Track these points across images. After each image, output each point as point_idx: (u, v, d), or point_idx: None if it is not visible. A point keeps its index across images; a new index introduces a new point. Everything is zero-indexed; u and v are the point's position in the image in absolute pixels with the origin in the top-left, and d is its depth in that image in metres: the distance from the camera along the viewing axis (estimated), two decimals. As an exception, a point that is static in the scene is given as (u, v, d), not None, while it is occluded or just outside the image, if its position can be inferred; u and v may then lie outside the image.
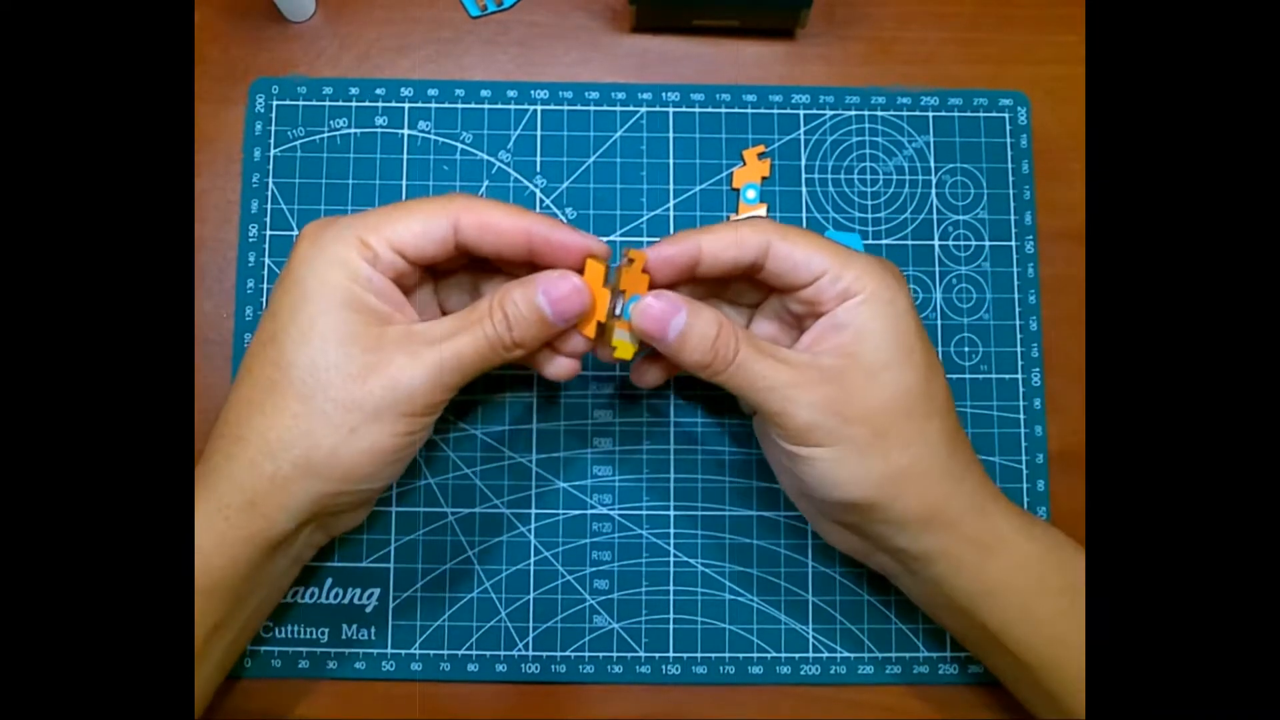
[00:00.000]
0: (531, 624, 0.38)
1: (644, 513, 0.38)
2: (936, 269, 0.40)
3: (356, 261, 0.30)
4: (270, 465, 0.29)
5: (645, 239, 0.40)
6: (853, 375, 0.30)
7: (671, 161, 0.41)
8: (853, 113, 0.41)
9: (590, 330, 0.31)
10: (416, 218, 0.30)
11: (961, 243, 0.40)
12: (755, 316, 0.35)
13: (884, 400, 0.30)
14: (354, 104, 0.41)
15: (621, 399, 0.39)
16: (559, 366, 0.33)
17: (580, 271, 0.31)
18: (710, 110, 0.41)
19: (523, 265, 0.32)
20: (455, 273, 0.34)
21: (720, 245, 0.31)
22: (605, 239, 0.40)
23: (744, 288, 0.35)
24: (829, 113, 0.41)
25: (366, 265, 0.30)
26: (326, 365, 0.29)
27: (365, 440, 0.29)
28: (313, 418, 0.29)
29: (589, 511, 0.38)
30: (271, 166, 0.40)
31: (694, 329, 0.30)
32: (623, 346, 0.31)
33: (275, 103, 0.41)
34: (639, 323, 0.30)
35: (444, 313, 0.35)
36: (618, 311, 0.31)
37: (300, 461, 0.29)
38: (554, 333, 0.31)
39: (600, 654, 0.37)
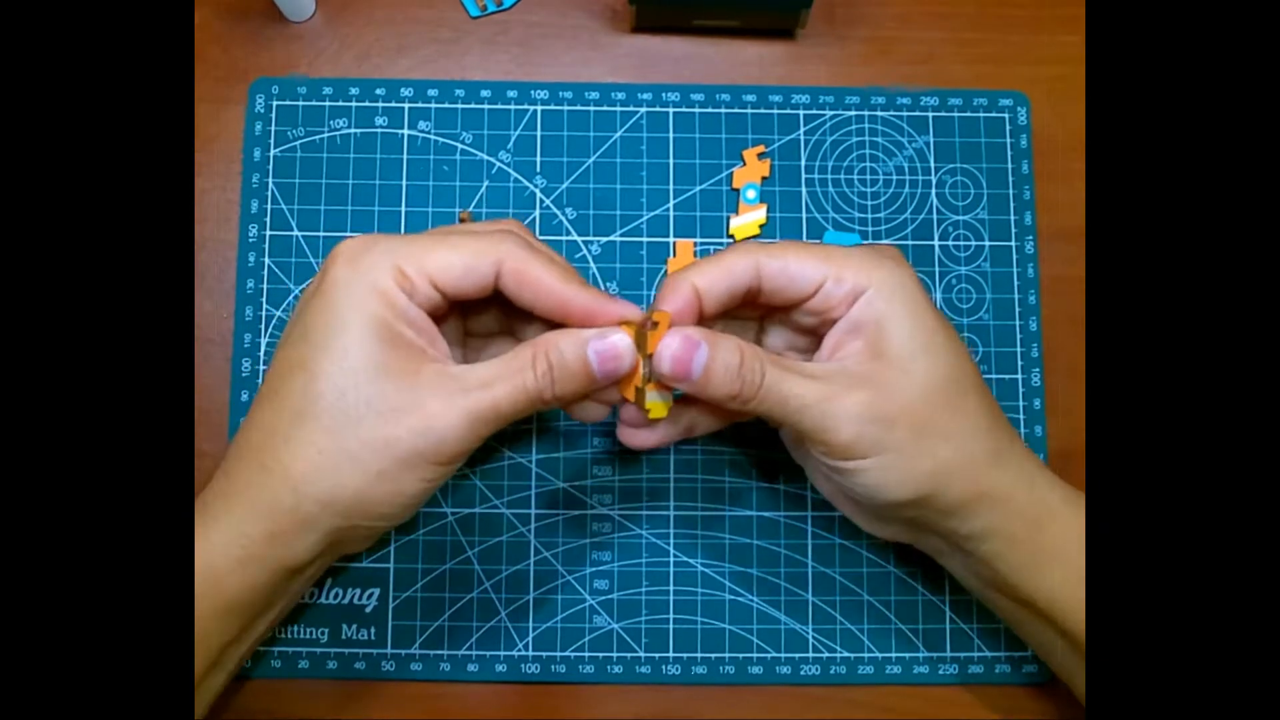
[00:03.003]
0: (531, 624, 0.38)
1: (644, 513, 0.38)
2: (936, 269, 0.40)
3: (394, 292, 0.29)
4: (292, 499, 0.29)
5: (645, 239, 0.40)
6: (884, 373, 0.30)
7: (671, 161, 0.41)
8: (853, 113, 0.41)
9: (630, 392, 0.31)
10: (460, 255, 0.29)
11: (961, 243, 0.40)
12: (768, 337, 0.34)
13: (920, 392, 0.30)
14: (354, 104, 0.41)
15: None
16: (591, 412, 0.32)
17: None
18: (710, 110, 0.41)
19: (556, 319, 0.31)
20: (487, 305, 0.33)
21: (711, 280, 0.31)
22: (606, 238, 0.40)
23: (751, 312, 0.34)
24: (829, 113, 0.41)
25: (404, 297, 0.29)
26: (357, 400, 0.28)
27: (391, 484, 0.29)
28: (339, 456, 0.28)
29: (589, 511, 0.38)
30: (271, 166, 0.40)
31: (717, 360, 0.29)
32: (656, 407, 0.31)
33: (275, 103, 0.41)
34: (664, 368, 0.29)
35: (469, 337, 0.34)
36: (648, 375, 0.31)
37: (324, 500, 0.29)
38: (594, 389, 0.31)
39: (600, 654, 0.37)
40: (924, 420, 0.30)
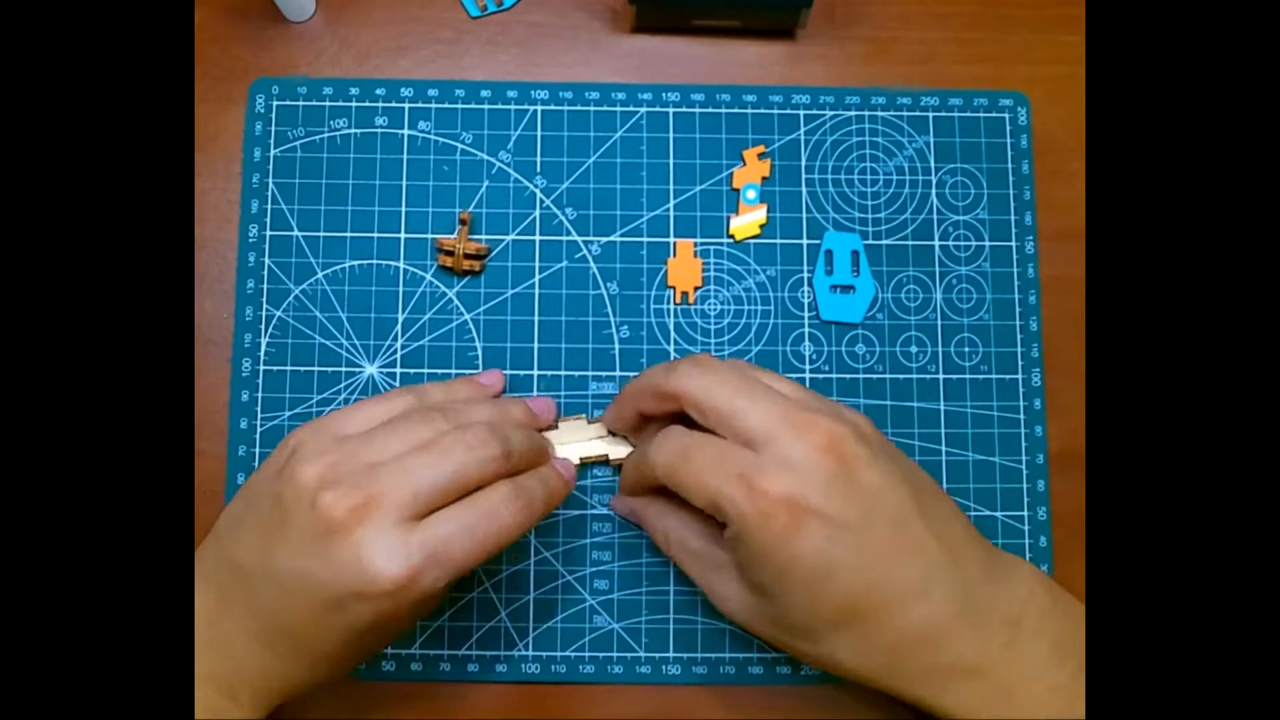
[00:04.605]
0: (531, 624, 0.38)
1: (644, 513, 0.38)
2: (936, 269, 0.40)
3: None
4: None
5: (645, 239, 0.40)
6: (774, 600, 0.30)
7: (671, 162, 0.41)
8: (853, 113, 0.41)
9: None
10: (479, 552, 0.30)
11: (961, 243, 0.40)
12: None
13: (837, 604, 0.29)
14: (354, 104, 0.41)
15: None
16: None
17: None
18: (710, 110, 0.41)
19: None
20: None
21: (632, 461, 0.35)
22: (606, 238, 0.40)
23: None
24: (829, 113, 0.41)
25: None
26: (326, 654, 0.30)
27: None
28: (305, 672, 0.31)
29: (589, 511, 0.38)
30: (271, 167, 0.40)
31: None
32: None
33: (275, 103, 0.41)
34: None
35: None
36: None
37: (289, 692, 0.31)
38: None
39: (600, 654, 0.37)
40: (859, 611, 0.29)
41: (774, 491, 0.28)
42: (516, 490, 0.31)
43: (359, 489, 0.29)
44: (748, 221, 0.40)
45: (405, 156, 0.40)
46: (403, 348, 0.39)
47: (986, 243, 0.40)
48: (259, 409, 0.39)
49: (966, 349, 0.40)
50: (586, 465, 0.38)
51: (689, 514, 0.34)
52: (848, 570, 0.29)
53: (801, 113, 0.41)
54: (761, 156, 0.41)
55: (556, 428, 0.38)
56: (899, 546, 0.29)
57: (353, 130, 0.40)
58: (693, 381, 0.31)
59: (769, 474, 0.29)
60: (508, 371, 0.39)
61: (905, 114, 0.41)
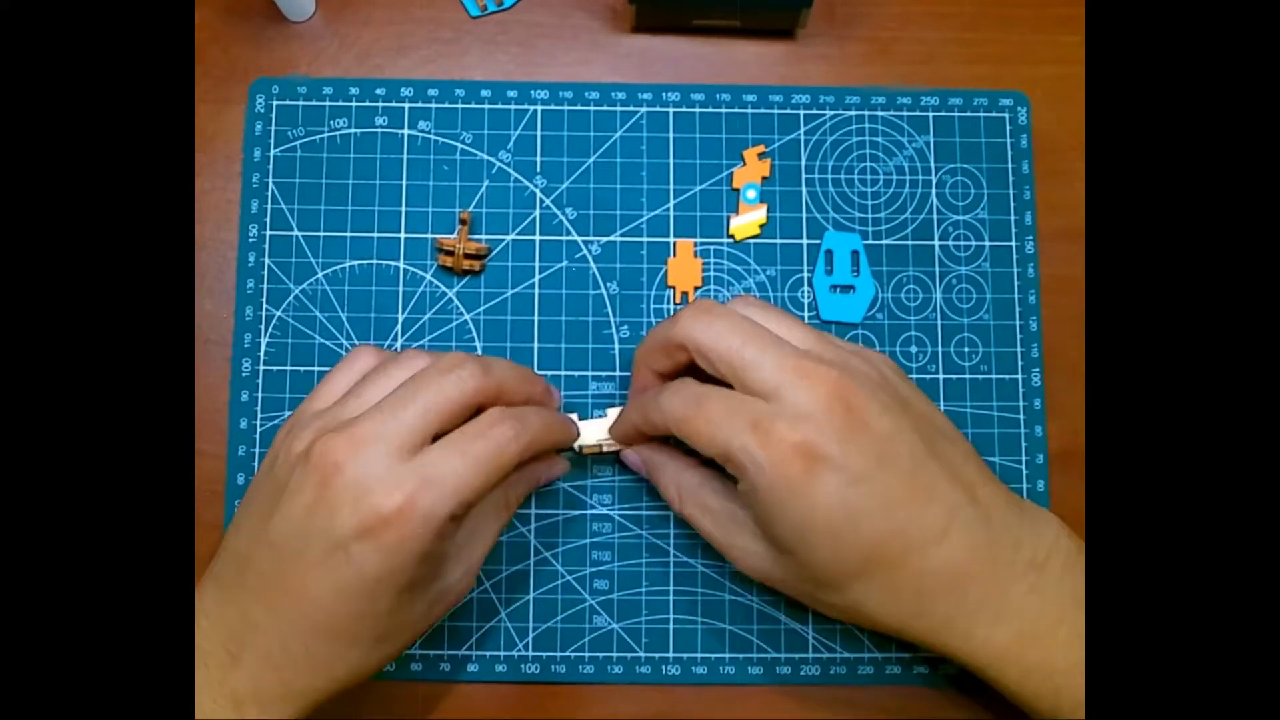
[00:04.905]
0: (531, 624, 0.38)
1: (644, 513, 0.38)
2: (936, 269, 0.40)
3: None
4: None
5: (645, 239, 0.40)
6: (797, 552, 0.30)
7: (671, 161, 0.41)
8: (853, 113, 0.41)
9: None
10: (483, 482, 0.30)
11: (961, 243, 0.40)
12: None
13: (862, 552, 0.30)
14: (354, 104, 0.41)
15: (621, 399, 0.39)
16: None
17: None
18: (710, 110, 0.41)
19: None
20: None
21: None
22: (606, 238, 0.40)
23: None
24: (829, 113, 0.41)
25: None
26: (344, 628, 0.30)
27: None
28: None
29: (589, 511, 0.38)
30: (271, 166, 0.40)
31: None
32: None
33: (275, 103, 0.41)
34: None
35: None
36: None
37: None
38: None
39: (600, 654, 0.37)
40: (880, 559, 0.30)
41: (788, 439, 0.28)
42: (508, 412, 0.31)
43: (347, 434, 0.29)
44: (748, 221, 0.40)
45: (405, 156, 0.40)
46: (403, 348, 0.39)
47: (986, 242, 0.40)
48: (259, 409, 0.39)
49: (966, 349, 0.40)
50: (589, 456, 0.38)
51: (703, 470, 0.34)
52: (868, 518, 0.29)
53: (801, 112, 0.41)
54: (761, 156, 0.41)
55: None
56: (915, 491, 0.29)
57: (353, 130, 0.40)
58: (700, 329, 0.31)
59: (782, 422, 0.29)
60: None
61: (905, 114, 0.41)
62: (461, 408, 0.31)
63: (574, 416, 0.36)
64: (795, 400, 0.29)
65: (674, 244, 0.40)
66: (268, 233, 0.40)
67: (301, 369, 0.39)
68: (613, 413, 0.36)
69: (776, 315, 0.32)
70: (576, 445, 0.36)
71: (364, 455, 0.29)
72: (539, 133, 0.41)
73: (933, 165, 0.41)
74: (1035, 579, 0.30)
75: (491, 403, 0.32)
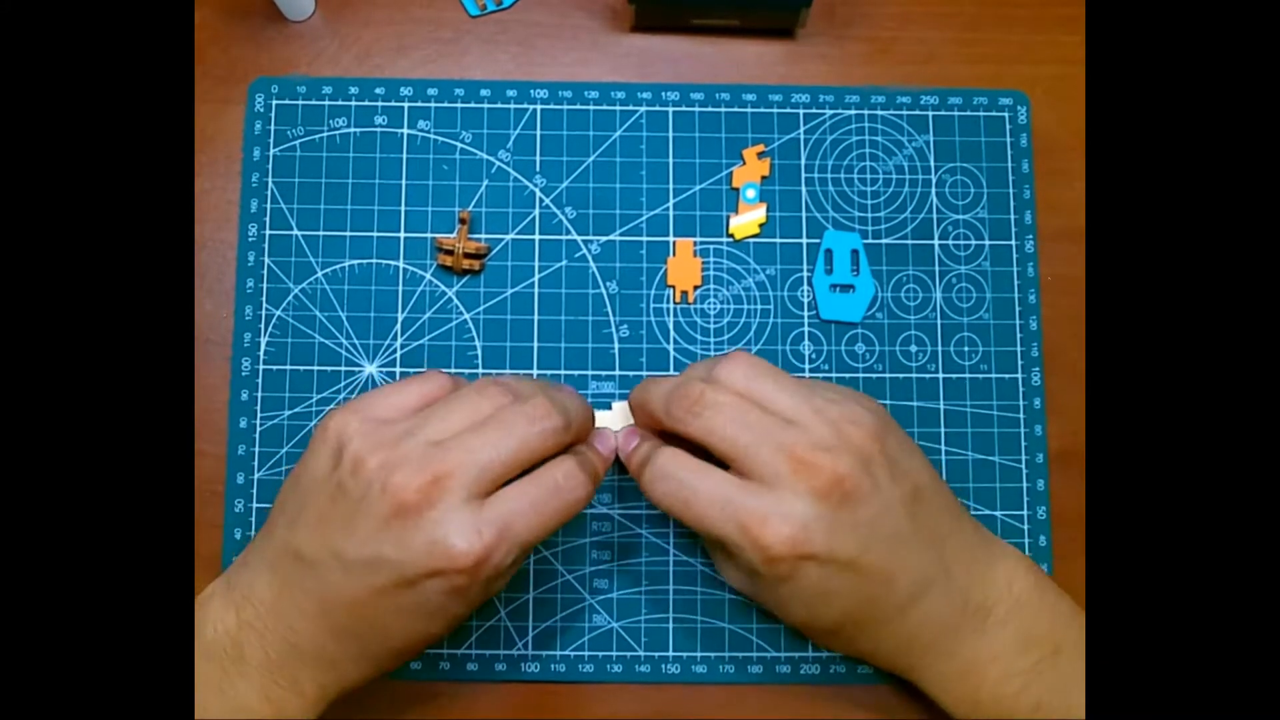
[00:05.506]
0: (531, 623, 0.38)
1: (644, 512, 0.38)
2: (936, 268, 0.40)
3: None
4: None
5: (645, 239, 0.40)
6: (773, 607, 0.33)
7: (671, 161, 0.41)
8: (852, 112, 0.41)
9: None
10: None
11: (961, 242, 0.40)
12: None
13: (833, 620, 0.32)
14: (354, 103, 0.41)
15: (621, 399, 0.39)
16: None
17: None
18: (710, 110, 0.41)
19: None
20: None
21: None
22: (605, 237, 0.40)
23: None
24: (829, 112, 0.41)
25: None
26: (389, 639, 0.31)
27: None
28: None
29: (589, 511, 0.38)
30: (271, 166, 0.40)
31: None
32: None
33: (275, 102, 0.41)
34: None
35: None
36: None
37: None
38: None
39: (600, 653, 0.37)
40: (852, 627, 0.33)
41: (777, 544, 0.29)
42: (580, 463, 0.32)
43: (426, 469, 0.29)
44: (747, 221, 0.40)
45: (405, 156, 0.40)
46: (402, 347, 0.39)
47: (986, 242, 0.40)
48: (259, 408, 0.39)
49: (966, 348, 0.40)
50: None
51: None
52: (842, 597, 0.31)
53: (801, 112, 0.41)
54: (761, 155, 0.41)
55: None
56: (891, 566, 0.31)
57: (352, 129, 0.40)
58: (697, 425, 0.31)
59: (772, 526, 0.29)
60: (508, 371, 0.39)
61: (905, 113, 0.41)
62: (541, 458, 0.31)
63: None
64: (791, 492, 0.30)
65: (673, 243, 0.40)
66: (267, 232, 0.40)
67: (301, 368, 0.39)
68: (619, 405, 0.36)
69: (766, 380, 0.32)
70: None
71: (443, 499, 0.29)
72: (538, 132, 0.41)
73: (932, 164, 0.41)
74: (979, 623, 0.32)
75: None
